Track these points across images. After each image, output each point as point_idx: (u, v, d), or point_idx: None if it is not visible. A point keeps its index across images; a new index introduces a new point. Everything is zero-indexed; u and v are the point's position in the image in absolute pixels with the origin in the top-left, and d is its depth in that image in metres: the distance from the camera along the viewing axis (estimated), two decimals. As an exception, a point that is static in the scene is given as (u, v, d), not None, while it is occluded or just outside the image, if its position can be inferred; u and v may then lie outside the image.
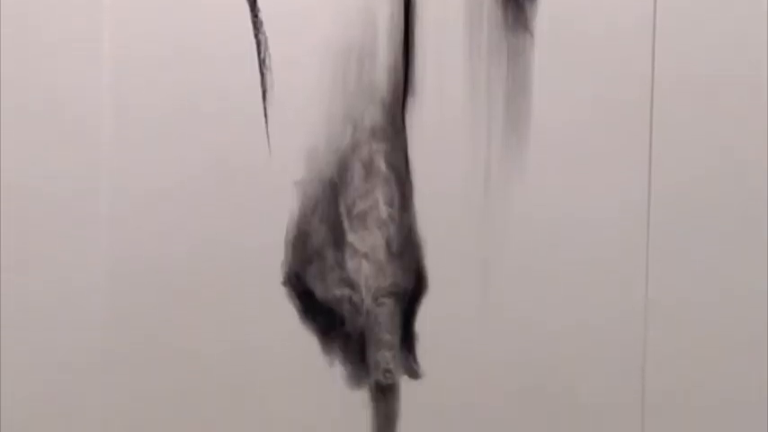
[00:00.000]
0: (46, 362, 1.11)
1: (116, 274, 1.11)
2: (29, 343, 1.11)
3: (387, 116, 1.11)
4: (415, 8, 1.09)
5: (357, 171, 1.11)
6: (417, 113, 1.10)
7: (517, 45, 1.10)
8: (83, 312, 1.11)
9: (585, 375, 1.11)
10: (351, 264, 1.12)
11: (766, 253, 1.08)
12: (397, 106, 1.10)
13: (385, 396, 1.12)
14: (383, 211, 1.11)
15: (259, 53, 1.10)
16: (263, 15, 1.10)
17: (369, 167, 1.11)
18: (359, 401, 1.12)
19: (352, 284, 1.12)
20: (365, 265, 1.12)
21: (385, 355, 1.12)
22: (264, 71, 1.10)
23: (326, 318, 1.12)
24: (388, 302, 1.12)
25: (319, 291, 1.12)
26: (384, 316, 1.12)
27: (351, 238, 1.12)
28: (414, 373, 1.12)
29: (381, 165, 1.11)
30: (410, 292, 1.12)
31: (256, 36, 1.10)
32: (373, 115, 1.11)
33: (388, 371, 1.12)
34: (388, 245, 1.12)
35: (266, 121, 1.11)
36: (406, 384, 1.12)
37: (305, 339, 1.12)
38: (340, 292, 1.12)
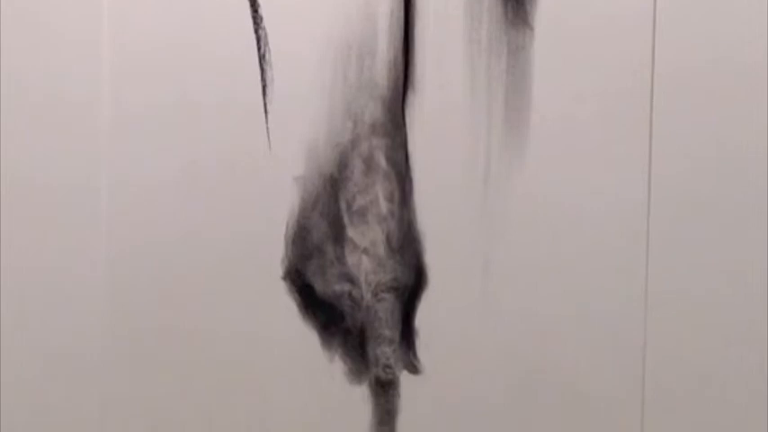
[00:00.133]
0: (46, 354, 1.11)
1: (116, 268, 1.11)
2: (29, 335, 1.11)
3: (387, 111, 1.11)
4: (415, 3, 1.10)
5: (357, 166, 1.11)
6: (417, 109, 1.10)
7: (517, 39, 1.10)
8: (83, 304, 1.11)
9: (586, 369, 1.10)
10: (351, 259, 1.12)
11: (766, 244, 1.08)
12: (397, 102, 1.10)
13: (385, 391, 1.12)
14: (383, 206, 1.11)
15: (259, 48, 1.11)
16: (263, 11, 1.11)
17: (369, 163, 1.11)
18: (359, 396, 1.12)
19: (352, 280, 1.12)
20: (365, 260, 1.12)
21: (385, 351, 1.12)
22: (264, 66, 1.11)
23: (326, 313, 1.12)
24: (388, 298, 1.12)
25: (319, 286, 1.12)
26: (384, 311, 1.12)
27: (351, 233, 1.12)
28: (413, 369, 1.12)
29: (381, 160, 1.11)
30: (410, 288, 1.12)
31: (256, 31, 1.11)
32: (373, 111, 1.11)
33: (387, 366, 1.12)
34: (388, 240, 1.12)
35: (266, 117, 1.11)
36: (405, 379, 1.12)
37: (305, 334, 1.12)
38: (340, 287, 1.12)
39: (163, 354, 1.12)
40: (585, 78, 1.09)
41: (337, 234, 1.12)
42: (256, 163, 1.11)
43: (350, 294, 1.12)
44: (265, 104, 1.11)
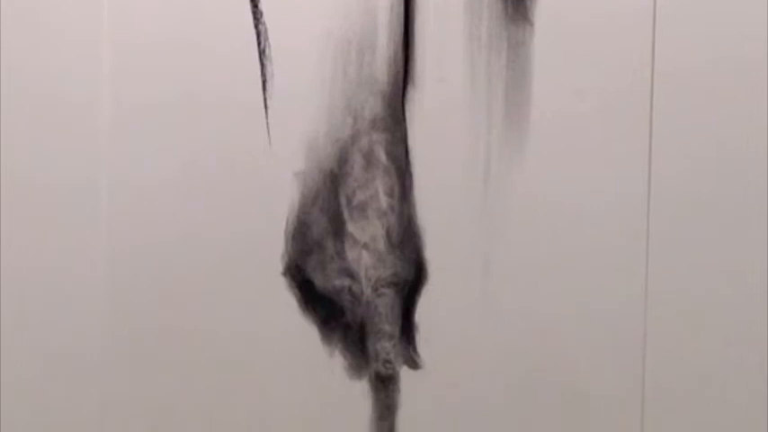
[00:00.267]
0: (46, 354, 1.12)
1: (116, 267, 1.12)
2: (29, 335, 1.12)
3: (387, 107, 1.10)
4: (415, -2, 1.09)
5: (357, 161, 1.11)
6: (417, 104, 1.10)
7: (517, 35, 1.09)
8: (83, 302, 1.12)
9: (585, 366, 1.10)
10: (351, 254, 1.12)
11: (766, 242, 1.07)
12: (397, 97, 1.10)
13: (385, 386, 1.12)
14: (383, 201, 1.11)
15: (259, 43, 1.10)
16: (263, 6, 1.10)
17: (369, 158, 1.11)
18: (359, 392, 1.12)
19: (352, 275, 1.12)
20: (365, 255, 1.12)
21: (385, 346, 1.12)
22: (264, 61, 1.11)
23: (326, 308, 1.12)
24: (388, 293, 1.12)
25: (319, 281, 1.12)
26: (384, 306, 1.12)
27: (351, 228, 1.12)
28: (413, 364, 1.12)
29: (381, 155, 1.11)
30: (410, 283, 1.12)
31: (256, 26, 1.10)
32: (373, 106, 1.10)
33: (387, 361, 1.12)
34: (387, 235, 1.12)
35: (266, 112, 1.11)
36: (405, 375, 1.12)
37: (305, 330, 1.12)
38: (340, 282, 1.12)
39: (163, 352, 1.12)
40: (585, 74, 1.08)
41: (337, 229, 1.12)
42: (256, 158, 1.11)
43: (350, 289, 1.12)
44: (265, 100, 1.11)
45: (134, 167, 1.11)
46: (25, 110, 1.11)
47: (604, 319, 1.10)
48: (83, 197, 1.11)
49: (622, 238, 1.09)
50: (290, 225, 1.12)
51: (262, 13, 1.10)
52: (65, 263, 1.11)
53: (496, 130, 1.10)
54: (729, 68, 1.06)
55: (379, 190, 1.11)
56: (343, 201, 1.12)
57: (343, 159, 1.11)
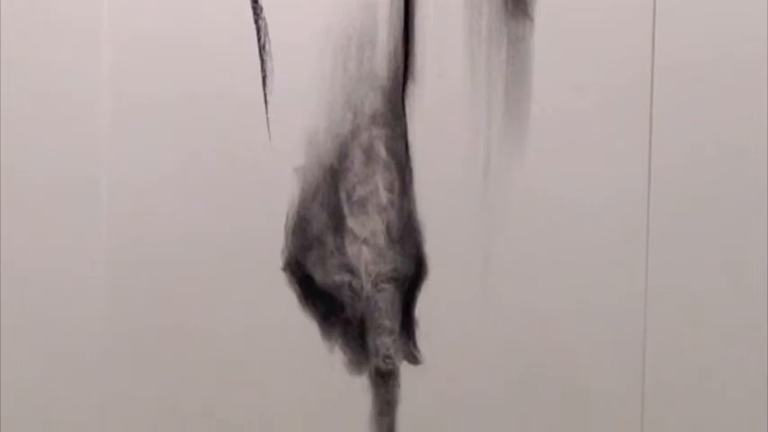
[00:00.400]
0: (46, 354, 1.12)
1: (116, 262, 1.12)
2: (29, 335, 1.12)
3: (387, 102, 1.10)
4: (415, -6, 1.09)
5: (357, 157, 1.11)
6: (417, 99, 1.10)
7: (517, 30, 1.09)
8: (83, 300, 1.12)
9: (585, 361, 1.10)
10: (351, 249, 1.12)
11: (766, 238, 1.07)
12: (397, 92, 1.10)
13: (385, 382, 1.12)
14: (383, 196, 1.11)
15: (259, 39, 1.10)
16: (263, 1, 1.10)
17: (369, 153, 1.11)
18: (359, 387, 1.12)
19: (352, 270, 1.12)
20: (365, 250, 1.12)
21: (385, 341, 1.12)
22: (264, 57, 1.10)
23: (326, 303, 1.12)
24: (388, 288, 1.12)
25: (319, 276, 1.12)
26: (384, 302, 1.12)
27: (351, 223, 1.12)
28: (414, 359, 1.12)
29: (381, 150, 1.11)
30: (410, 278, 1.12)
31: (256, 22, 1.10)
32: (373, 101, 1.10)
33: (387, 357, 1.12)
34: (388, 230, 1.12)
35: (266, 108, 1.11)
36: (405, 370, 1.12)
37: (305, 325, 1.12)
38: (340, 277, 1.12)
39: (163, 349, 1.12)
40: (586, 70, 1.08)
41: (337, 225, 1.12)
42: (256, 154, 1.11)
43: (350, 285, 1.12)
44: (265, 95, 1.11)
45: (134, 164, 1.11)
46: (25, 108, 1.11)
47: (604, 315, 1.10)
48: (83, 195, 1.11)
49: (622, 234, 1.09)
50: (290, 220, 1.12)
51: (261, 9, 1.10)
52: (65, 261, 1.11)
53: (496, 126, 1.10)
54: (729, 64, 1.06)
55: (379, 185, 1.11)
56: (343, 196, 1.12)
57: (343, 155, 1.11)
